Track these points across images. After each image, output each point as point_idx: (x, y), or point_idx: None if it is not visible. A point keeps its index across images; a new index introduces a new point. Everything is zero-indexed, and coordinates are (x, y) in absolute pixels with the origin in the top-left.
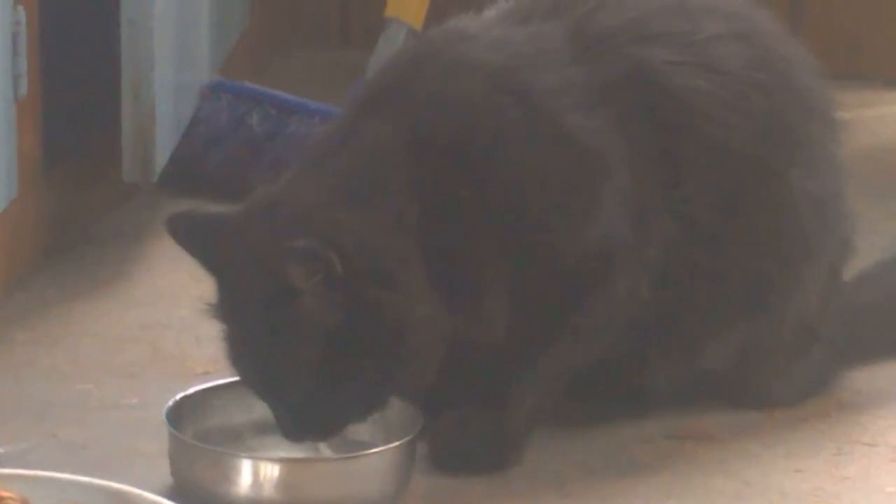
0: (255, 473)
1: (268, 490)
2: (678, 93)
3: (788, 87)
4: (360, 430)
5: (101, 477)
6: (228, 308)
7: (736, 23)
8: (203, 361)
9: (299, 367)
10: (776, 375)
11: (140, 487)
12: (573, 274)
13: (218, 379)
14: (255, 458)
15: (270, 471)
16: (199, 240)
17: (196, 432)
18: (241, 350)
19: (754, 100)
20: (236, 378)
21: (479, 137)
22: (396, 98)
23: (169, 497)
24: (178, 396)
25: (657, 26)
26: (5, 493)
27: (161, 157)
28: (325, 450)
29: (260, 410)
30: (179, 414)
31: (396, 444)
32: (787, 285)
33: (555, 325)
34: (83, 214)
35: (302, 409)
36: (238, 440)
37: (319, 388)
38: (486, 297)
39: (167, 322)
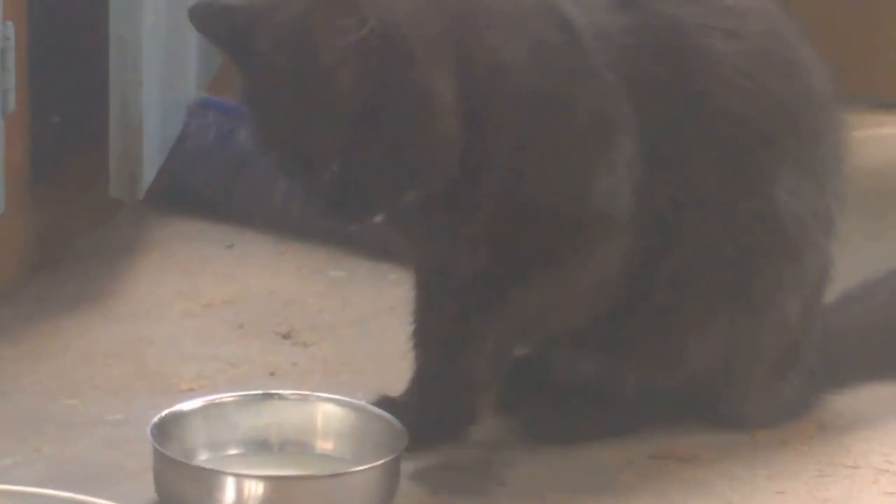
0: (240, 491)
1: None
2: (708, 56)
3: (802, 78)
4: (343, 449)
5: (86, 493)
6: (258, 91)
7: (763, 5)
8: (188, 378)
9: (325, 143)
10: (758, 395)
11: None
12: (563, 225)
13: (203, 395)
14: (239, 476)
15: (255, 488)
16: (223, 26)
17: (181, 449)
18: (270, 132)
19: (774, 75)
20: (220, 395)
21: (519, 46)
22: None
23: None
24: (163, 412)
25: None
26: None
27: (148, 174)
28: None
29: (244, 427)
30: (164, 430)
31: (381, 462)
32: (769, 286)
33: (527, 269)
34: (69, 230)
35: (331, 188)
36: (223, 457)
37: (346, 165)
38: (478, 190)
39: (152, 338)
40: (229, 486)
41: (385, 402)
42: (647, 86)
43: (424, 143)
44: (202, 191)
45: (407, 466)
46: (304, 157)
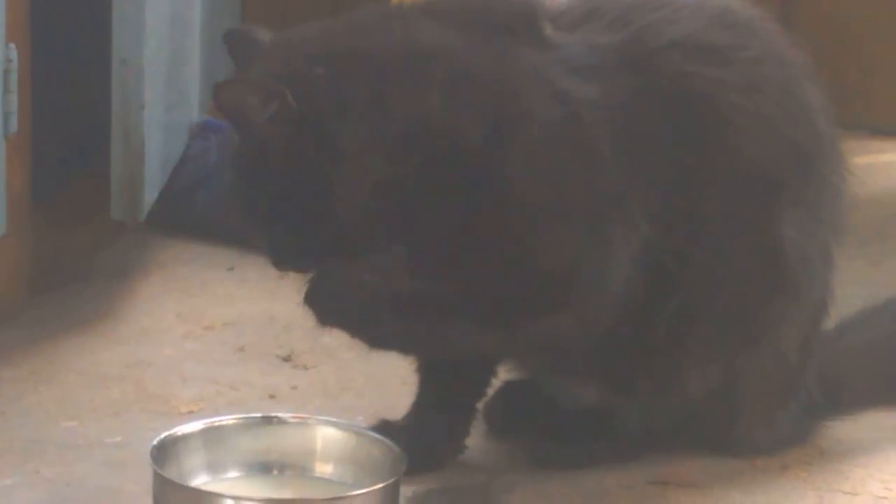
0: None
1: None
2: (724, 110)
3: (811, 121)
4: (343, 472)
5: None
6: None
7: (774, 47)
8: (188, 400)
9: (264, 201)
10: (758, 423)
11: None
12: (549, 290)
13: (202, 418)
14: (238, 499)
15: None
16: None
17: (180, 471)
18: (232, 190)
19: (787, 122)
20: (220, 418)
21: (511, 108)
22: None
23: None
24: (163, 435)
25: (707, 41)
26: None
27: (149, 196)
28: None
29: (244, 450)
30: (164, 453)
31: (380, 485)
32: (770, 320)
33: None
34: (71, 252)
35: (279, 240)
36: (222, 480)
37: (284, 219)
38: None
39: (152, 360)
40: None
41: (385, 427)
42: (656, 145)
43: (333, 202)
44: (203, 213)
45: (406, 490)
46: (248, 210)
